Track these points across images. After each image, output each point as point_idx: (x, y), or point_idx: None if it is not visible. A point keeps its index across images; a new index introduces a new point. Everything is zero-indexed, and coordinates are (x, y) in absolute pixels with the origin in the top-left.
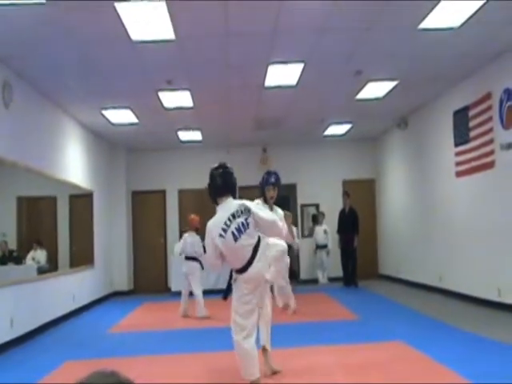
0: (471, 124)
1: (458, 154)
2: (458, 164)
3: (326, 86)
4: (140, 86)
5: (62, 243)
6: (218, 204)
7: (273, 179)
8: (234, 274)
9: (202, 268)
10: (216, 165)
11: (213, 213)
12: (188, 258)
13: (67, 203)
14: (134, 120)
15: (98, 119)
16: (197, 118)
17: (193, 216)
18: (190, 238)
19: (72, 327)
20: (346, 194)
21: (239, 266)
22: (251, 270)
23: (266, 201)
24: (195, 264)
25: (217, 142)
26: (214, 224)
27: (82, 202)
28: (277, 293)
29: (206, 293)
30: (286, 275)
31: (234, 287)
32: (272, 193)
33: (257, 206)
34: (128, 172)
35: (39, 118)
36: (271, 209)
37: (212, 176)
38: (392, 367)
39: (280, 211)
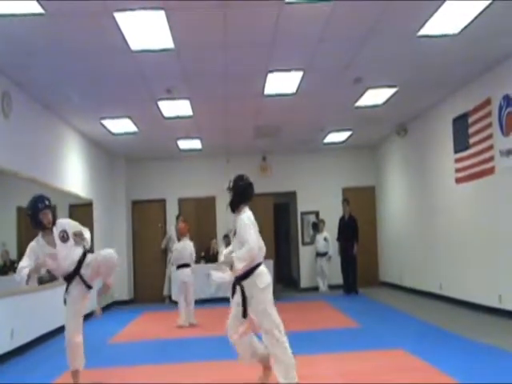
0: (471, 130)
1: (457, 160)
2: (457, 170)
3: (325, 94)
4: (139, 96)
5: None
6: (236, 210)
7: (47, 202)
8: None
9: None
10: (242, 175)
11: (213, 221)
12: (185, 266)
13: (67, 213)
14: (134, 129)
15: (98, 129)
16: (196, 127)
17: (183, 224)
18: (189, 244)
19: None
20: (345, 201)
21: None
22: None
23: (43, 228)
24: (190, 271)
25: (216, 151)
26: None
27: (81, 211)
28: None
29: (206, 302)
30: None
31: (266, 291)
32: (49, 217)
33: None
34: (128, 181)
35: (39, 127)
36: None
37: (244, 185)
38: (393, 375)
39: (71, 223)
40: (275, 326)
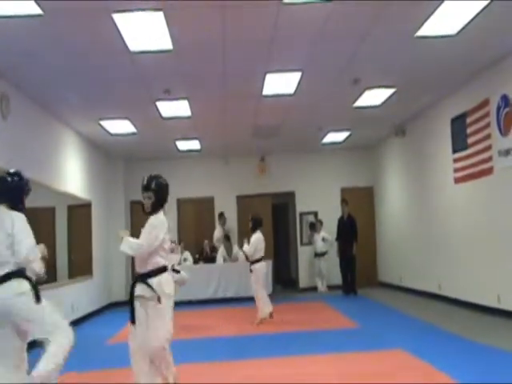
0: (469, 130)
1: (456, 160)
2: (456, 170)
3: (323, 94)
4: (138, 96)
5: (61, 254)
6: (153, 214)
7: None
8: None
9: None
10: (159, 175)
11: (211, 221)
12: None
13: (65, 213)
14: (133, 130)
15: (97, 129)
16: (195, 128)
17: None
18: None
19: None
20: (344, 201)
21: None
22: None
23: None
24: None
25: (215, 151)
26: (164, 222)
27: (80, 212)
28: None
29: (205, 303)
30: None
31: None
32: None
33: None
34: (126, 182)
35: (37, 129)
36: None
37: (165, 185)
38: (392, 376)
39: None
40: None
